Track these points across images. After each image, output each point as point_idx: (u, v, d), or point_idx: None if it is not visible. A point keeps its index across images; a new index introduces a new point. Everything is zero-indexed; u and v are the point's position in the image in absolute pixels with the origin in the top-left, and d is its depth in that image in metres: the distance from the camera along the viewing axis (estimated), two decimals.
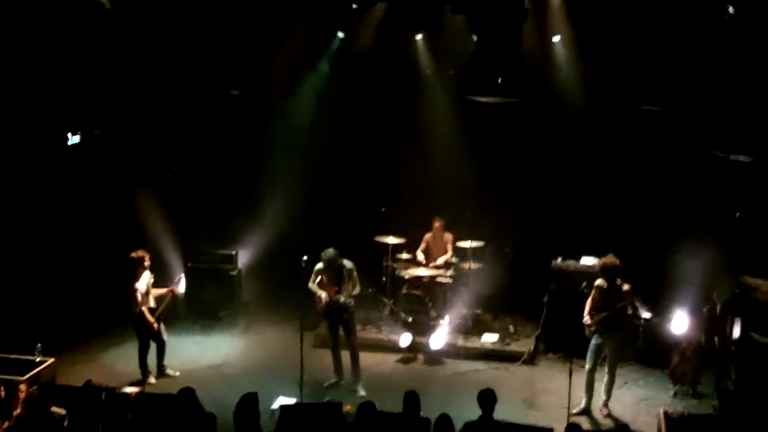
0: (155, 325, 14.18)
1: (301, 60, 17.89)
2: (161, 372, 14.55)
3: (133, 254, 14.17)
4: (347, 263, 13.86)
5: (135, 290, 14.03)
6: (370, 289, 15.79)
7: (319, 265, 13.80)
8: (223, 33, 16.68)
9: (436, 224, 16.66)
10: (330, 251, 13.67)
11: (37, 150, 16.00)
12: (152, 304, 14.29)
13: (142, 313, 14.06)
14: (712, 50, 15.14)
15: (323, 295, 13.80)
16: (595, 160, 17.14)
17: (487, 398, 10.49)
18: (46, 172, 16.24)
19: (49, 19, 15.07)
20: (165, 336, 14.52)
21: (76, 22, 15.36)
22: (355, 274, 13.91)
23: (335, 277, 13.83)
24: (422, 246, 16.79)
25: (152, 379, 14.32)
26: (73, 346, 15.39)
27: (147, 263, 14.22)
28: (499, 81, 16.46)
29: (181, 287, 14.81)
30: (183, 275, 15.02)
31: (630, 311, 13.12)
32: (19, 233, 15.83)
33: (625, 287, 12.92)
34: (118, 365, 14.94)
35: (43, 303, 15.76)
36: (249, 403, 10.26)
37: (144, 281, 14.14)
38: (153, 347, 14.48)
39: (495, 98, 16.91)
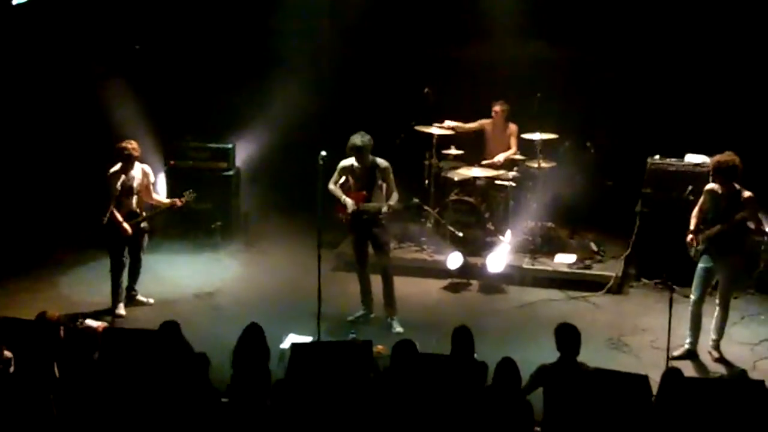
0: (126, 228, 14.11)
1: None
2: (130, 298, 14.62)
3: (119, 145, 14.20)
4: (381, 162, 13.76)
5: (111, 185, 14.03)
6: (413, 200, 15.58)
7: (345, 162, 13.74)
8: None
9: (497, 108, 16.53)
10: (359, 136, 13.52)
11: None
12: (134, 207, 14.28)
13: (111, 214, 14.03)
14: None
15: (349, 201, 13.74)
16: (705, 29, 16.87)
17: (569, 335, 10.45)
18: None
19: None
20: (143, 252, 14.61)
21: None
22: (391, 176, 13.80)
23: (365, 178, 13.76)
24: (473, 125, 16.69)
25: (122, 310, 14.35)
26: (22, 270, 15.53)
27: (133, 154, 14.18)
28: None
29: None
30: (191, 191, 14.85)
31: (751, 225, 12.95)
32: None
33: (746, 194, 12.70)
34: (79, 293, 15.04)
35: None
36: (254, 336, 10.32)
37: (127, 177, 14.12)
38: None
39: None
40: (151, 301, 14.68)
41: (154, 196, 14.59)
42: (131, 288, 14.63)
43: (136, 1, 17.67)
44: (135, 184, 14.24)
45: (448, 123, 16.42)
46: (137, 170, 14.28)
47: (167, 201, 14.69)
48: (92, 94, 17.19)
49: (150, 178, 14.44)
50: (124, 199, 14.15)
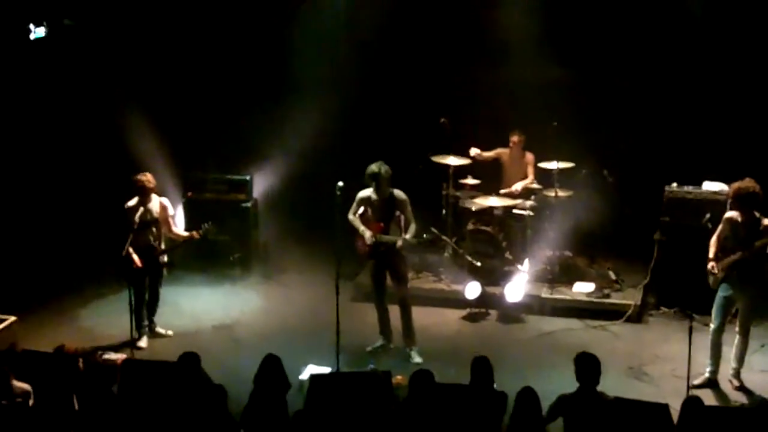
0: (137, 261, 14.08)
1: None
2: (150, 330, 14.63)
3: (135, 178, 14.21)
4: (399, 193, 13.74)
5: (128, 218, 14.05)
6: (425, 235, 15.21)
7: (363, 193, 13.74)
8: None
9: (514, 139, 16.50)
10: (377, 165, 13.52)
11: None
12: (152, 241, 14.29)
13: (128, 251, 14.01)
14: None
15: (367, 233, 13.73)
16: (725, 57, 16.82)
17: (588, 364, 10.39)
18: (2, 72, 16.16)
19: None
20: (160, 286, 14.61)
21: None
22: (409, 208, 13.78)
23: (383, 209, 13.75)
24: (491, 153, 16.64)
25: (143, 342, 14.33)
26: (42, 302, 15.48)
27: (148, 187, 14.19)
28: None
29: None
30: (210, 223, 14.80)
31: None
32: None
33: (766, 222, 12.64)
34: (99, 325, 15.01)
35: (2, 247, 15.85)
36: (273, 367, 10.30)
37: (144, 211, 14.12)
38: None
39: None
40: (170, 333, 14.65)
41: (174, 229, 14.54)
42: (150, 321, 14.61)
43: (156, 33, 17.65)
44: (152, 217, 14.21)
45: (473, 150, 16.38)
46: (155, 203, 14.28)
47: (185, 234, 14.64)
48: (113, 127, 17.18)
49: (169, 211, 14.43)
50: (142, 232, 14.12)
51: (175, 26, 17.70)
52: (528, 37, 17.11)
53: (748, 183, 12.69)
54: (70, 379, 10.60)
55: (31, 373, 10.86)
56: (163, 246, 14.40)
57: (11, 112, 16.43)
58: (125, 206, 14.14)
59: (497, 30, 17.38)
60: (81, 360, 11.01)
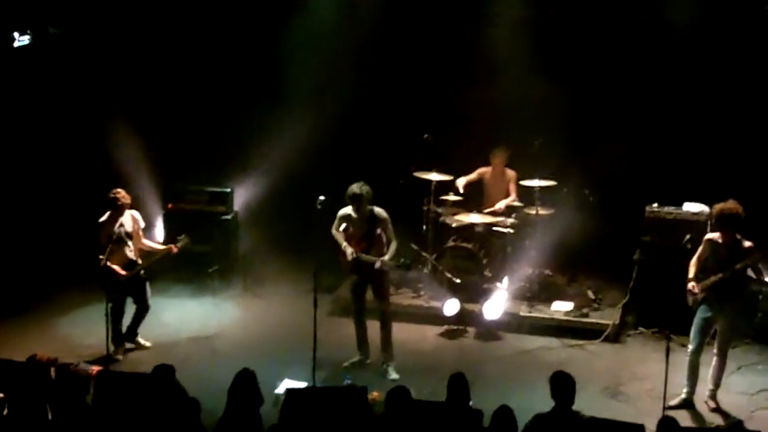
0: (122, 273, 14.07)
1: None
2: (132, 338, 14.55)
3: (110, 194, 14.19)
4: (379, 212, 13.72)
5: (100, 234, 14.02)
6: (402, 259, 14.78)
7: (344, 210, 13.71)
8: None
9: (497, 159, 16.47)
10: (357, 186, 13.50)
11: None
12: (130, 255, 14.24)
13: (106, 264, 13.94)
14: None
15: (348, 250, 13.69)
16: (705, 76, 16.88)
17: (564, 384, 10.35)
18: None
19: None
20: (149, 299, 14.53)
21: None
22: (389, 226, 13.77)
23: (364, 227, 13.72)
24: (471, 177, 16.60)
25: (120, 354, 14.28)
26: (18, 310, 15.45)
27: (122, 202, 14.18)
28: None
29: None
30: (185, 236, 14.79)
31: (751, 275, 12.86)
32: None
33: (747, 244, 12.62)
34: (76, 336, 14.92)
35: None
36: (246, 382, 10.21)
37: (117, 225, 14.08)
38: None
39: None
40: (148, 344, 14.56)
41: (145, 241, 14.53)
42: (134, 331, 14.56)
43: (140, 43, 17.60)
44: (126, 232, 14.19)
45: (459, 182, 16.38)
46: (126, 217, 14.24)
47: (163, 248, 14.63)
48: (96, 136, 17.12)
49: (140, 224, 14.44)
50: (117, 247, 14.10)
51: (158, 36, 17.67)
52: (512, 58, 17.15)
53: (731, 205, 12.65)
54: (43, 388, 10.52)
55: (4, 383, 10.78)
56: (140, 261, 14.32)
57: None
58: (99, 221, 14.10)
59: (482, 50, 17.41)
60: (53, 369, 10.95)
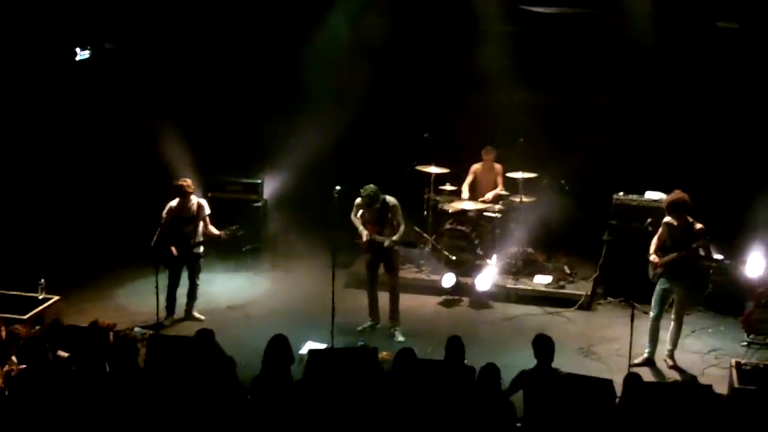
0: (174, 251, 14.06)
1: None
2: (188, 314, 14.44)
3: (176, 182, 14.25)
4: (390, 200, 13.71)
5: (166, 215, 14.09)
6: (411, 243, 15.20)
7: (359, 199, 13.68)
8: None
9: (487, 156, 16.46)
10: (370, 187, 13.54)
11: (43, 67, 15.80)
12: (190, 235, 14.19)
13: (163, 239, 13.94)
14: None
15: (364, 232, 13.71)
16: (665, 84, 16.82)
17: (544, 345, 10.40)
18: (52, 91, 16.04)
19: None
20: (198, 276, 14.47)
21: None
22: (399, 211, 13.76)
23: (377, 214, 13.71)
24: (469, 178, 16.56)
25: (168, 320, 14.22)
26: (82, 283, 15.39)
27: (188, 190, 14.17)
28: None
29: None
30: (236, 227, 14.70)
31: (702, 253, 12.81)
32: (22, 159, 15.71)
33: (698, 226, 12.59)
34: (130, 305, 14.89)
35: (51, 236, 15.76)
36: (280, 345, 10.23)
37: (183, 209, 14.12)
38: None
39: (554, 8, 16.99)
40: (203, 317, 14.28)
41: (210, 226, 14.39)
42: (189, 306, 14.47)
43: (183, 56, 17.54)
44: (189, 215, 14.13)
45: (464, 189, 16.43)
46: (193, 203, 14.20)
47: (217, 232, 14.47)
48: (148, 136, 17.03)
49: (205, 211, 14.32)
50: (180, 228, 14.08)
51: (199, 51, 17.60)
52: (500, 69, 16.98)
53: (677, 194, 12.68)
54: (102, 349, 10.54)
55: (70, 345, 10.81)
56: (199, 239, 14.27)
57: (62, 122, 16.31)
58: (168, 205, 14.08)
59: (474, 62, 17.20)
60: (111, 333, 10.98)
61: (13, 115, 15.55)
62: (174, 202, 14.13)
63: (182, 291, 14.40)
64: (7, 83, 15.35)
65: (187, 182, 14.26)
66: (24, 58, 15.48)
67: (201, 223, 14.27)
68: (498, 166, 16.43)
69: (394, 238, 13.67)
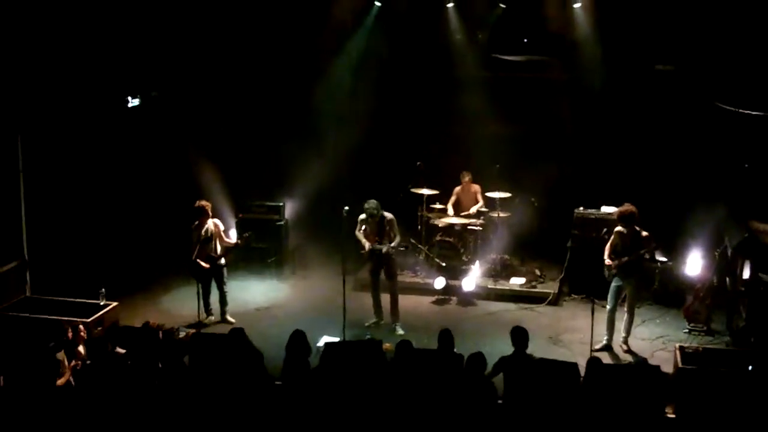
0: (203, 265, 13.87)
1: (344, 27, 17.66)
2: (223, 317, 14.28)
3: (196, 204, 14.00)
4: (388, 215, 13.69)
5: (192, 236, 13.93)
6: (404, 247, 14.70)
7: (362, 215, 13.64)
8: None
9: (466, 179, 16.45)
10: (372, 202, 13.55)
11: (101, 112, 15.85)
12: (212, 252, 13.99)
13: (195, 259, 13.83)
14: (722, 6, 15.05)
15: (366, 244, 13.66)
16: (614, 118, 16.79)
17: (520, 335, 10.48)
18: (109, 132, 16.07)
19: None
20: (225, 284, 14.26)
21: None
22: (395, 225, 13.73)
23: (377, 227, 13.66)
24: (452, 199, 16.55)
25: (208, 320, 14.13)
26: (135, 291, 15.31)
27: (207, 211, 13.97)
28: (525, 41, 16.81)
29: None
30: (249, 234, 14.68)
31: (647, 256, 12.89)
32: (84, 190, 15.70)
33: (644, 234, 12.63)
34: (175, 308, 14.81)
35: (108, 252, 15.75)
36: (299, 339, 10.36)
37: (204, 229, 13.90)
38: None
39: (520, 56, 17.09)
40: (234, 321, 14.03)
41: (226, 239, 14.29)
42: (223, 311, 14.30)
43: (213, 99, 17.53)
44: (209, 234, 13.96)
45: (449, 208, 16.39)
46: (210, 223, 14.01)
47: (233, 242, 14.43)
48: (187, 167, 16.98)
49: (221, 228, 14.19)
50: (204, 245, 13.92)
51: (227, 94, 17.56)
52: (478, 106, 17.06)
53: (626, 207, 12.76)
54: (153, 346, 10.53)
55: (126, 343, 10.79)
56: (219, 252, 14.17)
57: (119, 157, 16.30)
58: (191, 226, 13.97)
59: (456, 101, 17.27)
60: (161, 333, 10.98)
61: (81, 152, 15.54)
62: (196, 223, 13.91)
63: (214, 298, 14.32)
64: (76, 126, 15.36)
65: (207, 204, 14.08)
66: (89, 105, 15.49)
67: (218, 240, 14.15)
68: (475, 186, 16.44)
69: (392, 245, 13.64)
